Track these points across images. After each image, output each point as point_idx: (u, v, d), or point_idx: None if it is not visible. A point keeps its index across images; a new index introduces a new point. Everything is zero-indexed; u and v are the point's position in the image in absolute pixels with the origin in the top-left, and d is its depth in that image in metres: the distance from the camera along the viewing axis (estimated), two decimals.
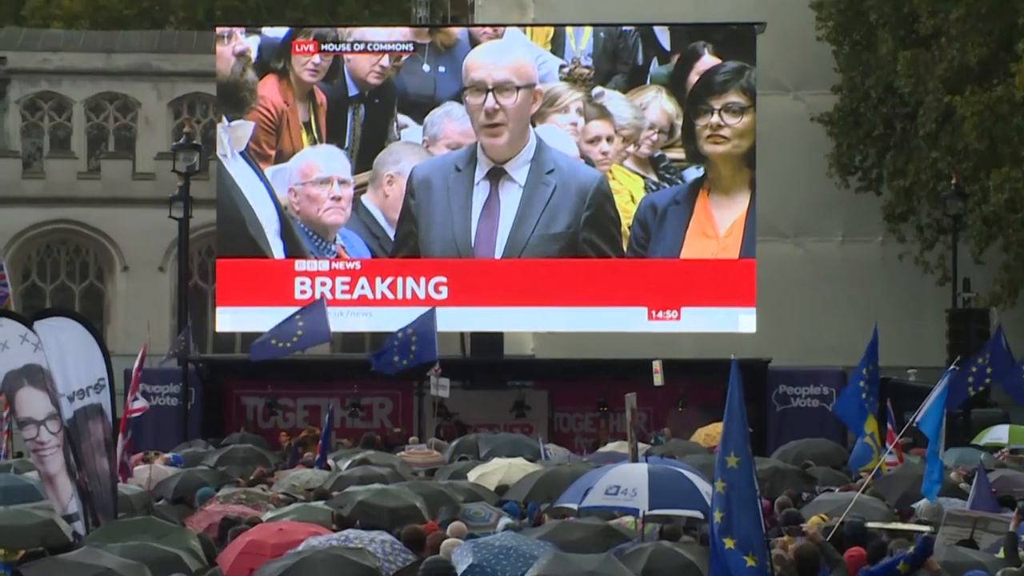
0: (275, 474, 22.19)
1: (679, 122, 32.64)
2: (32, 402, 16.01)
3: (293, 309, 31.46)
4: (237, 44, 33.11)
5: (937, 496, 17.69)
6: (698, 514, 14.54)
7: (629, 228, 32.49)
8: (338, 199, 32.62)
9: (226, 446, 26.31)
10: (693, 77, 32.70)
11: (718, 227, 32.59)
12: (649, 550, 13.52)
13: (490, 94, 32.14)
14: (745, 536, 10.91)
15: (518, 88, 32.29)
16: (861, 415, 20.86)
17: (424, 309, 30.42)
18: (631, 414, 18.69)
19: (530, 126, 32.37)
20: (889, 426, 22.00)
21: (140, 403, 26.38)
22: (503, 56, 32.78)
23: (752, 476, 11.08)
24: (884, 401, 22.85)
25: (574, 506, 15.51)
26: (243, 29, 34.21)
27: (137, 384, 24.72)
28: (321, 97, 32.96)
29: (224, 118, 33.38)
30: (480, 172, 32.35)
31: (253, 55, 33.00)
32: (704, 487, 14.37)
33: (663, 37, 33.09)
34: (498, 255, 32.54)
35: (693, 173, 32.61)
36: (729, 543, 10.93)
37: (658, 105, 32.72)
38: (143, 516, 15.81)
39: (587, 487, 15.08)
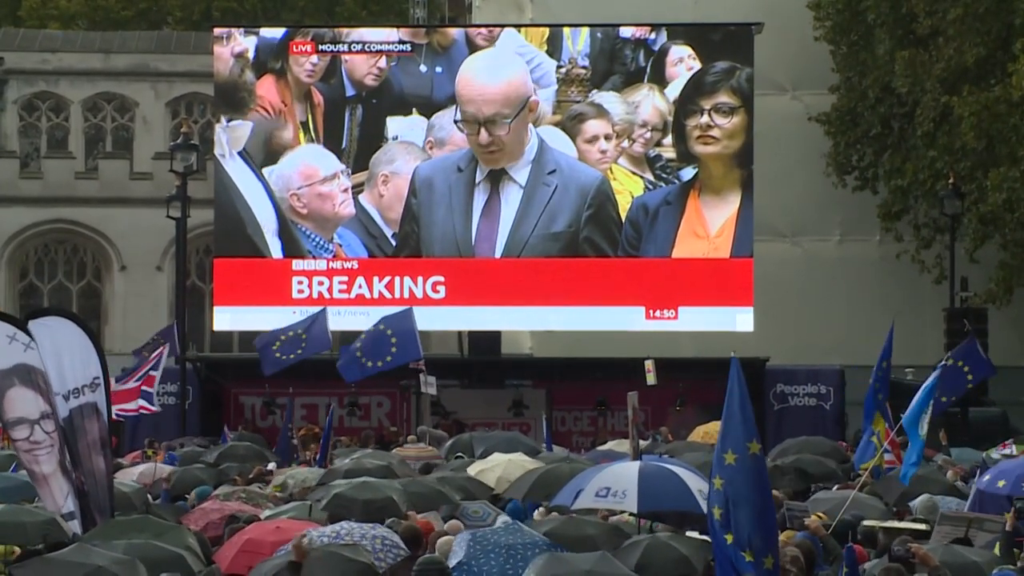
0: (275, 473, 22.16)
1: (671, 119, 32.62)
2: (24, 401, 15.92)
3: (290, 309, 31.43)
4: (235, 45, 33.08)
5: (933, 495, 17.69)
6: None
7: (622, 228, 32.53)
8: (347, 190, 32.65)
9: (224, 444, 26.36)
10: (671, 71, 32.61)
11: (709, 227, 32.54)
12: (643, 544, 13.52)
13: (483, 128, 31.99)
14: (743, 532, 10.95)
15: (510, 118, 31.93)
16: (871, 412, 20.84)
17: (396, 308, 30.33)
18: (632, 412, 18.71)
19: (531, 128, 32.30)
20: (886, 425, 22.00)
21: (134, 404, 26.30)
22: (493, 76, 32.38)
23: (749, 473, 11.06)
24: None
25: (568, 505, 15.51)
26: (241, 30, 34.20)
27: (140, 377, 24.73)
28: (318, 97, 32.94)
29: (223, 118, 33.37)
30: (481, 173, 32.28)
31: (251, 55, 32.99)
32: (697, 485, 14.37)
33: (658, 46, 33.01)
34: (498, 255, 32.52)
35: (689, 173, 32.60)
36: (729, 538, 11.00)
37: (650, 103, 32.67)
38: (140, 514, 15.78)
39: (579, 488, 15.09)
